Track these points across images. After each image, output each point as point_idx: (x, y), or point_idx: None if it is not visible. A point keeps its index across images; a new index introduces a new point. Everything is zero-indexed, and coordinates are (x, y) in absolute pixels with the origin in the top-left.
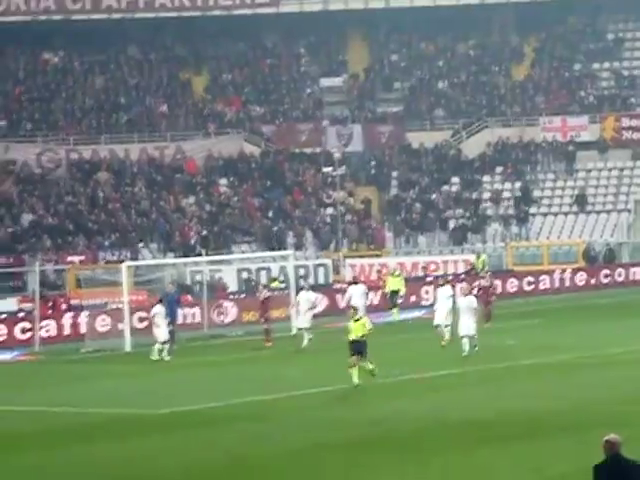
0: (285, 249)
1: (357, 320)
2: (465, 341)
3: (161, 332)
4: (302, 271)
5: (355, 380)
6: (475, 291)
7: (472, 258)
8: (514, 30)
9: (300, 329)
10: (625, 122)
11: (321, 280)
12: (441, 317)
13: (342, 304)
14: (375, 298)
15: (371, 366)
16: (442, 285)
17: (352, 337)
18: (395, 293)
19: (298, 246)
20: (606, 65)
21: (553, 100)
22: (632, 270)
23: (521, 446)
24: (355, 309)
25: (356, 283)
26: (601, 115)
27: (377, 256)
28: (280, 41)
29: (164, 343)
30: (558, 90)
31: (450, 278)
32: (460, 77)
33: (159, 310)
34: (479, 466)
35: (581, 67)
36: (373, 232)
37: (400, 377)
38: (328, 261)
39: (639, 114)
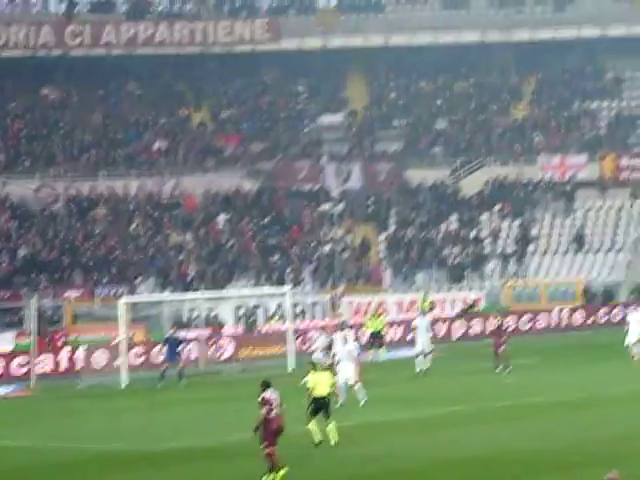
0: (283, 285)
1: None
2: (356, 389)
3: None
4: (299, 308)
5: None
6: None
7: (469, 297)
8: (513, 69)
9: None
10: (624, 161)
11: (318, 317)
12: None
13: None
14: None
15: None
16: (342, 329)
17: (318, 393)
18: (377, 334)
19: (296, 283)
20: (605, 104)
21: (552, 139)
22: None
23: None
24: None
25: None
26: (600, 154)
27: (374, 293)
28: (279, 78)
29: None
30: (557, 129)
31: (349, 324)
32: (459, 115)
33: None
34: None
35: (580, 106)
36: (371, 269)
37: (396, 415)
38: (325, 298)
39: (638, 153)
